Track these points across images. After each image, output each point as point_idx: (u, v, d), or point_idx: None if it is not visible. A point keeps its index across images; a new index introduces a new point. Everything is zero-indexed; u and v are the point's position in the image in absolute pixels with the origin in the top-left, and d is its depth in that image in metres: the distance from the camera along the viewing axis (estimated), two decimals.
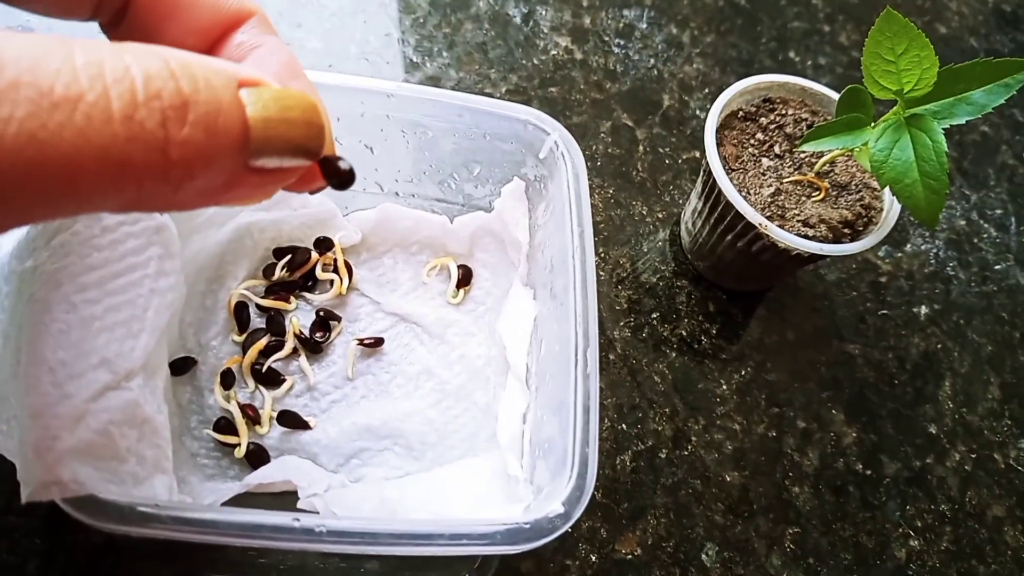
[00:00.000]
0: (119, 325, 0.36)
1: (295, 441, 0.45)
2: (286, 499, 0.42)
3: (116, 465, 0.34)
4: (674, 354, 0.53)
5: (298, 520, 0.32)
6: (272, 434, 0.45)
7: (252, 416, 0.45)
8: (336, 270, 0.49)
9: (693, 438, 0.50)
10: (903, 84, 0.41)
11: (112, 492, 0.31)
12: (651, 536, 0.47)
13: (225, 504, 0.41)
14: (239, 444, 0.44)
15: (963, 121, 0.42)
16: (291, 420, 0.45)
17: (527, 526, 0.34)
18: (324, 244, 0.49)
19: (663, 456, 0.49)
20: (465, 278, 0.51)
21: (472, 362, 0.49)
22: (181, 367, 0.45)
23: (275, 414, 0.45)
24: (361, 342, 0.48)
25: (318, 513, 0.40)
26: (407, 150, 0.47)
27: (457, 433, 0.47)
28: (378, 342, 0.48)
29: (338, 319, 0.49)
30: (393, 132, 0.46)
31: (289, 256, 0.49)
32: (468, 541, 0.33)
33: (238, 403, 0.45)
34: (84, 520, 0.30)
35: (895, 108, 0.43)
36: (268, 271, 0.49)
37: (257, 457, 0.44)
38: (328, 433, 0.46)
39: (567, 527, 0.34)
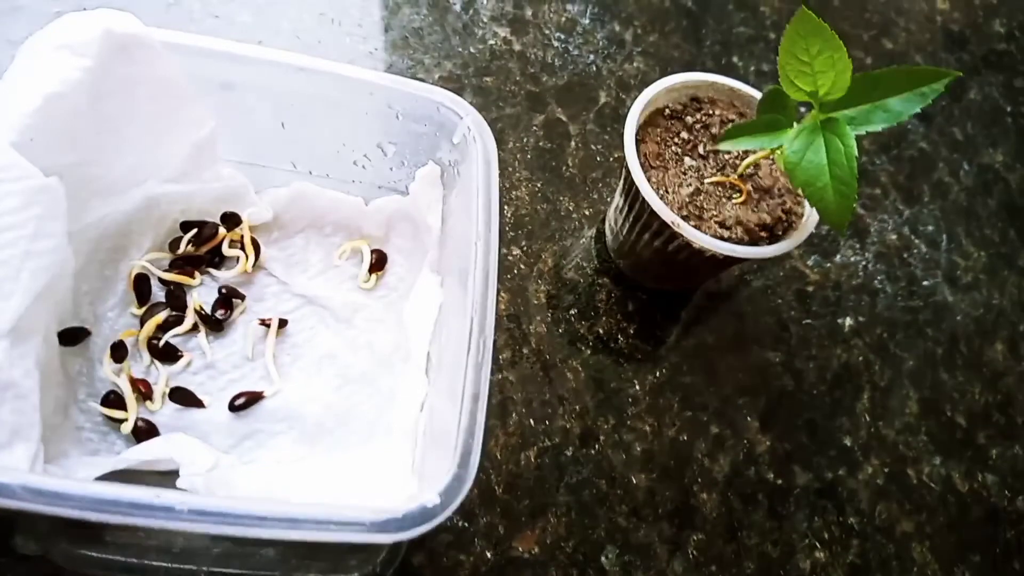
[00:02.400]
0: None
1: (187, 419, 0.44)
2: (171, 478, 0.40)
3: None
4: (589, 352, 0.52)
5: (158, 496, 0.30)
6: (164, 411, 0.44)
7: (144, 391, 0.43)
8: (243, 247, 0.48)
9: (602, 437, 0.49)
10: (817, 86, 0.41)
11: None
12: (551, 535, 0.46)
13: (102, 478, 0.39)
14: (127, 419, 0.42)
15: (879, 128, 0.42)
16: (184, 397, 0.44)
17: (399, 516, 0.32)
18: (232, 219, 0.48)
19: (569, 454, 0.48)
20: (379, 263, 0.49)
21: (379, 348, 0.48)
22: (72, 337, 0.43)
23: (168, 390, 0.44)
24: (262, 322, 0.47)
25: (197, 493, 0.39)
26: (320, 127, 0.46)
27: (357, 420, 0.46)
28: (282, 323, 0.47)
29: (241, 297, 0.47)
30: (305, 108, 0.45)
31: (196, 230, 0.47)
32: (335, 527, 0.32)
33: (129, 376, 0.43)
34: None
35: (812, 112, 0.43)
36: (174, 244, 0.48)
37: (145, 433, 0.42)
38: (222, 412, 0.44)
39: (441, 518, 0.33)
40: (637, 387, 0.51)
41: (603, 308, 0.53)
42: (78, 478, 0.38)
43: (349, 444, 0.45)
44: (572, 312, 0.53)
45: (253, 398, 0.44)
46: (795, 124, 0.43)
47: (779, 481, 0.51)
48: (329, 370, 0.47)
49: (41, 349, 0.38)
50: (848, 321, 0.57)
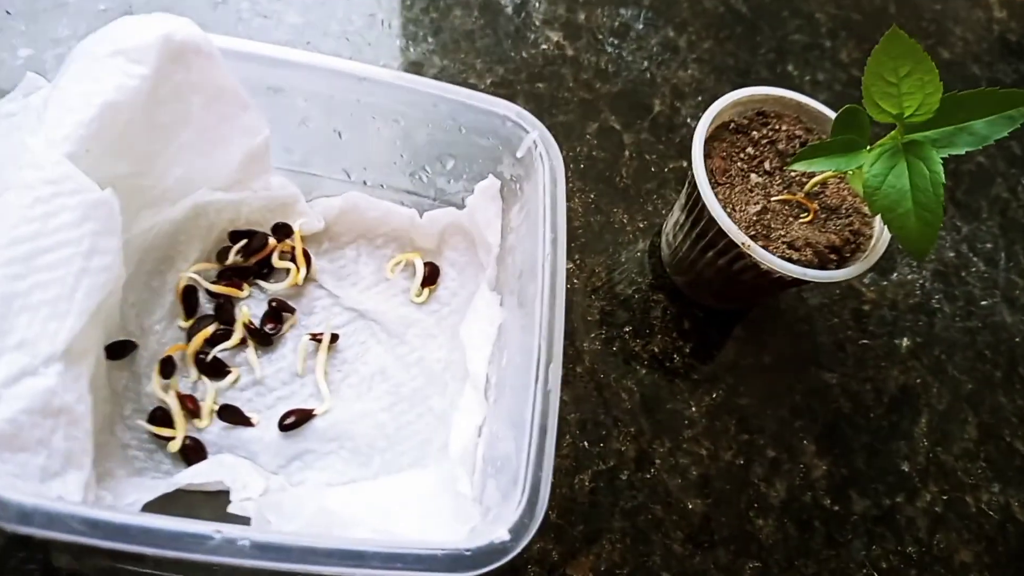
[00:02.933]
0: (44, 304, 0.33)
1: (235, 437, 0.43)
2: (220, 499, 0.39)
3: (25, 458, 0.31)
4: (644, 371, 0.50)
5: (220, 532, 0.29)
6: (212, 428, 0.43)
7: (191, 408, 0.42)
8: (294, 259, 0.47)
9: (657, 461, 0.48)
10: (904, 108, 0.39)
11: (17, 488, 0.28)
12: (605, 562, 0.45)
13: (151, 502, 0.38)
14: (174, 437, 0.41)
15: (963, 151, 0.40)
16: (233, 415, 0.43)
17: (468, 553, 0.31)
18: (283, 230, 0.47)
19: (624, 478, 0.47)
20: (431, 276, 0.48)
21: (431, 365, 0.46)
22: (119, 351, 0.42)
23: (217, 407, 0.43)
24: (313, 336, 0.45)
25: (249, 519, 0.38)
26: (378, 138, 0.45)
27: (409, 440, 0.44)
28: (333, 338, 0.46)
29: (292, 311, 0.46)
30: (364, 118, 0.44)
31: (245, 240, 0.46)
32: (403, 565, 0.31)
33: (177, 393, 0.42)
34: None
35: (893, 132, 0.41)
36: (222, 255, 0.46)
37: (193, 452, 0.41)
38: (271, 431, 0.43)
39: (510, 557, 0.32)
40: (693, 408, 0.50)
41: (658, 325, 0.52)
42: (129, 503, 0.37)
43: (400, 466, 0.44)
44: (627, 329, 0.51)
45: (303, 417, 0.43)
46: (871, 145, 0.42)
47: (836, 507, 0.49)
48: (380, 387, 0.46)
49: (92, 368, 0.37)
50: (905, 341, 0.56)
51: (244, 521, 0.37)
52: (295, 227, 0.47)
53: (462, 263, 0.49)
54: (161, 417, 0.42)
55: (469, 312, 0.45)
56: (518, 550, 0.32)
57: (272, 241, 0.47)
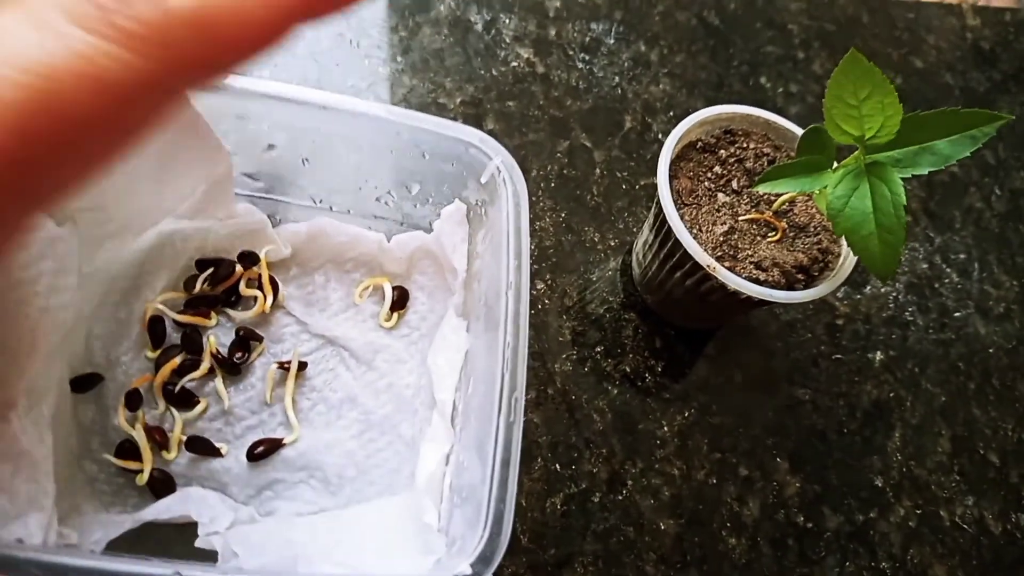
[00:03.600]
0: (3, 350, 0.33)
1: (204, 468, 0.42)
2: (190, 531, 0.39)
3: None
4: (616, 391, 0.50)
5: (179, 573, 0.29)
6: (180, 460, 0.42)
7: (159, 440, 0.42)
8: (261, 286, 0.46)
9: (629, 482, 0.48)
10: (865, 130, 0.39)
11: None
12: None
13: (119, 537, 0.38)
14: (142, 470, 0.41)
15: (926, 171, 0.40)
16: (201, 446, 0.42)
17: None
18: (249, 258, 0.46)
19: (596, 500, 0.47)
20: (400, 300, 0.48)
21: (400, 391, 0.46)
22: (85, 384, 0.42)
23: (185, 438, 0.43)
24: (281, 365, 0.45)
25: (216, 552, 0.37)
26: (343, 164, 0.45)
27: (378, 468, 0.44)
28: (301, 366, 0.45)
29: (260, 339, 0.46)
30: (327, 145, 0.43)
31: (212, 269, 0.46)
32: None
33: (144, 425, 0.42)
34: None
35: (856, 153, 0.41)
36: (189, 284, 0.46)
37: (161, 485, 0.41)
38: (240, 461, 0.43)
39: None
40: (665, 428, 0.50)
41: (630, 345, 0.52)
42: (95, 540, 0.37)
43: (370, 495, 0.43)
44: (598, 349, 0.51)
45: (272, 446, 0.43)
46: (835, 163, 0.42)
47: (809, 524, 0.49)
48: (349, 415, 0.45)
49: (53, 406, 0.37)
50: (879, 355, 0.56)
51: (212, 555, 0.37)
52: (261, 255, 0.46)
53: (431, 287, 0.48)
54: (129, 449, 0.41)
55: (436, 339, 0.45)
56: None
57: (239, 269, 0.46)
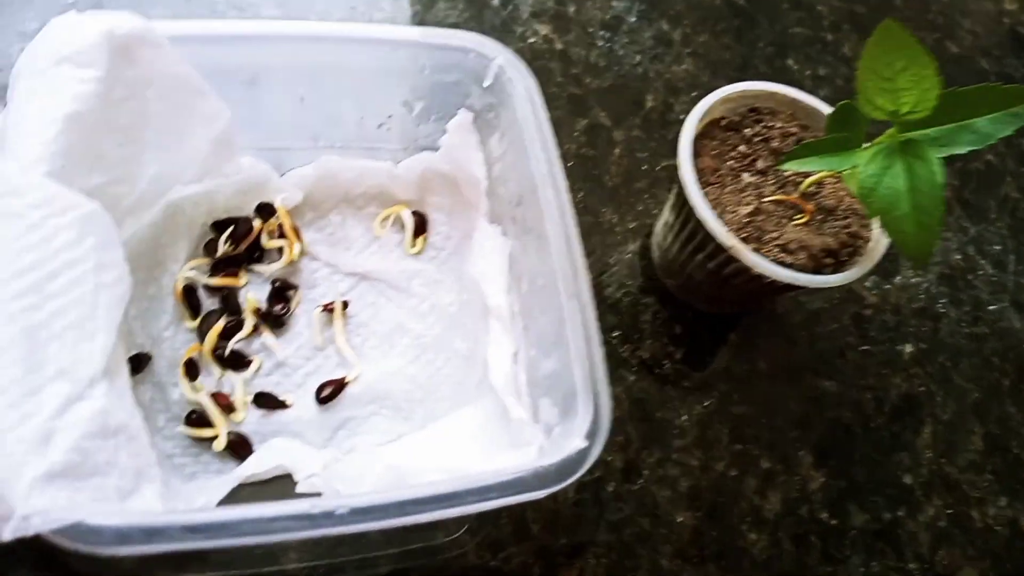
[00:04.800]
0: (69, 329, 0.32)
1: (275, 422, 0.43)
2: (276, 487, 0.39)
3: (99, 481, 0.31)
4: (633, 378, 0.49)
5: (316, 506, 0.29)
6: (249, 419, 0.42)
7: (225, 404, 0.42)
8: (283, 235, 0.46)
9: (645, 472, 0.46)
10: (900, 105, 0.37)
11: (101, 512, 0.28)
12: None
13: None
14: (217, 436, 0.41)
15: (965, 150, 0.38)
16: (268, 401, 0.43)
17: (553, 466, 0.32)
18: (266, 210, 0.46)
19: (610, 489, 0.45)
20: (420, 225, 0.48)
21: (444, 310, 0.47)
22: (135, 365, 0.41)
23: (249, 398, 0.43)
24: (325, 307, 0.45)
25: (320, 494, 0.38)
26: (341, 96, 0.45)
27: (443, 385, 0.45)
28: (343, 305, 0.46)
29: (295, 288, 0.46)
30: (325, 78, 0.43)
31: (231, 228, 0.45)
32: (497, 494, 0.31)
33: (208, 392, 0.42)
34: (80, 549, 0.28)
35: (890, 130, 0.39)
36: (210, 247, 0.46)
37: (239, 446, 0.41)
38: (309, 408, 0.43)
39: (592, 459, 0.33)
40: (684, 417, 0.48)
41: (648, 330, 0.50)
42: (199, 506, 0.37)
43: (442, 411, 0.44)
44: (616, 334, 0.50)
45: (338, 386, 0.43)
46: (866, 142, 0.40)
47: (834, 521, 0.47)
48: (402, 342, 0.46)
49: (128, 383, 0.36)
50: (908, 348, 0.53)
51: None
52: (277, 203, 0.46)
53: (448, 205, 0.48)
54: (197, 419, 0.41)
55: (474, 249, 0.45)
56: (596, 454, 0.33)
57: (257, 223, 0.46)
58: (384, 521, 0.30)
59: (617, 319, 0.50)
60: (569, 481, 0.32)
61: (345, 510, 0.29)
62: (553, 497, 0.44)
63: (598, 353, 0.35)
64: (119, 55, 0.36)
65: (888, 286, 0.55)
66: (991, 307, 0.56)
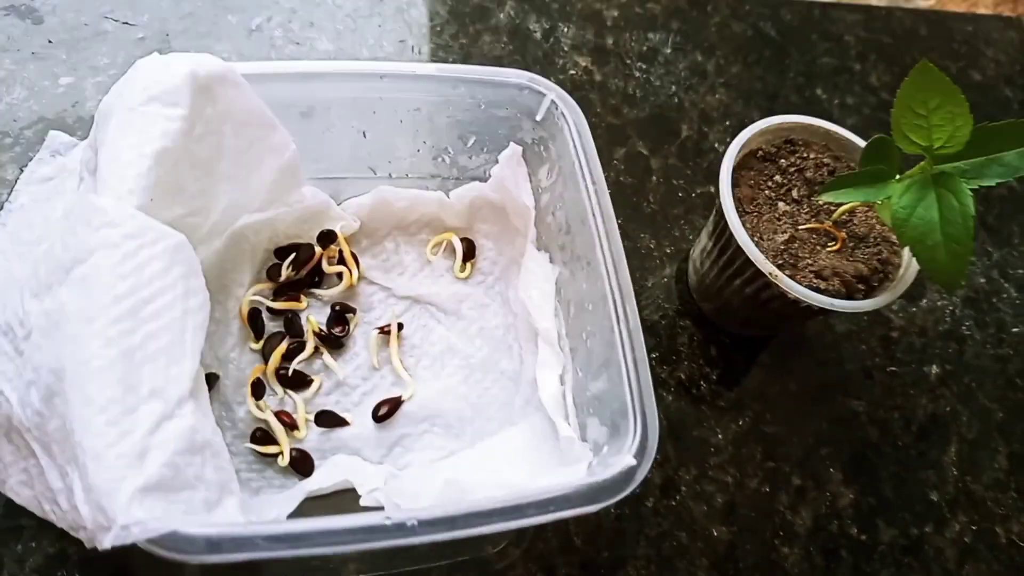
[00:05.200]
0: (161, 352, 0.34)
1: (335, 439, 0.45)
2: (335, 502, 0.41)
3: (189, 494, 0.33)
4: (671, 397, 0.51)
5: (389, 518, 0.31)
6: (310, 437, 0.45)
7: (288, 422, 0.44)
8: (342, 261, 0.49)
9: (683, 488, 0.48)
10: (933, 140, 0.39)
11: (193, 522, 0.30)
12: None
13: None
14: (280, 452, 0.43)
15: (994, 183, 0.40)
16: (329, 419, 0.45)
17: (605, 483, 0.34)
18: (327, 237, 0.49)
19: (649, 505, 0.47)
20: (469, 251, 0.51)
21: (492, 333, 0.49)
22: (208, 385, 0.43)
23: (310, 417, 0.45)
24: (382, 330, 0.48)
25: (382, 508, 0.39)
26: (400, 130, 0.47)
27: (492, 405, 0.47)
28: (399, 327, 0.48)
29: (353, 311, 0.48)
30: (386, 114, 0.46)
31: (294, 254, 0.48)
32: (555, 507, 0.33)
33: (272, 411, 0.44)
34: (173, 557, 0.30)
35: (922, 163, 0.41)
36: (272, 272, 0.48)
37: (302, 462, 0.43)
38: (367, 426, 0.45)
39: (642, 475, 0.34)
40: (719, 435, 0.50)
41: (685, 352, 0.52)
42: (271, 519, 0.39)
43: (491, 429, 0.46)
44: (653, 355, 0.52)
45: (394, 405, 0.46)
46: (899, 174, 0.42)
47: (863, 536, 0.49)
48: (452, 363, 0.48)
49: (208, 403, 0.39)
50: (935, 369, 0.55)
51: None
52: (337, 230, 0.48)
53: (495, 233, 0.51)
54: (261, 437, 0.44)
55: (523, 275, 0.47)
56: (645, 472, 0.34)
57: (318, 249, 0.48)
58: (451, 533, 0.32)
59: (655, 341, 0.52)
60: (619, 497, 0.34)
61: (415, 522, 0.31)
62: (596, 512, 0.46)
63: (645, 374, 0.37)
64: (201, 94, 0.38)
65: (914, 309, 0.57)
66: (1015, 329, 0.58)
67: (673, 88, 0.61)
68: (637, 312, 0.38)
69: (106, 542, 0.30)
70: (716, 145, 0.59)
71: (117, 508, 0.30)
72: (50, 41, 0.53)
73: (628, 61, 0.62)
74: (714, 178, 0.57)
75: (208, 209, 0.42)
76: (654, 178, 0.57)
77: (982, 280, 0.59)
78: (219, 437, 0.37)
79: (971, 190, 0.40)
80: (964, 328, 0.57)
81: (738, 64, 0.64)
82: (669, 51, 0.63)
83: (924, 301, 0.57)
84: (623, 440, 0.36)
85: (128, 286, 0.34)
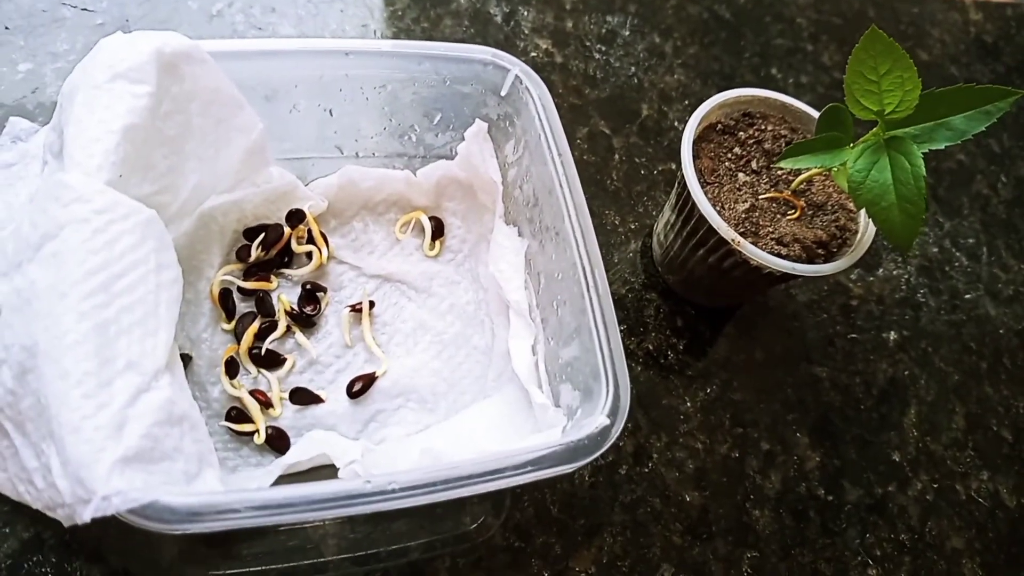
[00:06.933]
0: (136, 325, 0.34)
1: (310, 416, 0.45)
2: (313, 478, 0.41)
3: (168, 466, 0.33)
4: (640, 368, 0.52)
5: (369, 482, 0.31)
6: (285, 415, 0.45)
7: (263, 400, 0.44)
8: (311, 241, 0.49)
9: (655, 455, 0.49)
10: (884, 105, 0.41)
11: (173, 492, 0.30)
12: (606, 554, 0.46)
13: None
14: (256, 431, 0.43)
15: (943, 146, 0.41)
16: (303, 396, 0.45)
17: (581, 442, 0.35)
18: (295, 217, 0.49)
19: (623, 472, 0.48)
20: (438, 229, 0.51)
21: (463, 309, 0.49)
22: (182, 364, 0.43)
23: (285, 395, 0.45)
24: (353, 308, 0.48)
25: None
26: (366, 108, 0.47)
27: (465, 379, 0.48)
28: (370, 305, 0.48)
29: (324, 290, 0.48)
30: (352, 91, 0.46)
31: (263, 235, 0.48)
32: (534, 467, 0.33)
33: (247, 390, 0.44)
34: (154, 527, 0.30)
35: (875, 129, 0.42)
36: (242, 253, 0.48)
37: (278, 440, 0.44)
38: (341, 402, 0.45)
39: (615, 434, 0.35)
40: (688, 404, 0.51)
41: (652, 324, 0.53)
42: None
43: (464, 403, 0.47)
44: (622, 328, 0.52)
45: (368, 381, 0.46)
46: (854, 142, 0.43)
47: (830, 497, 0.50)
48: (424, 339, 0.48)
49: (184, 377, 0.39)
50: (892, 335, 0.57)
51: None
52: (306, 210, 0.48)
53: (463, 211, 0.51)
54: (237, 415, 0.44)
55: (492, 249, 0.48)
56: (619, 430, 0.35)
57: (287, 230, 0.48)
58: (432, 495, 0.32)
59: (623, 314, 0.53)
60: (595, 455, 0.35)
61: (396, 486, 0.31)
62: (570, 481, 0.47)
63: (616, 337, 0.38)
64: (167, 72, 0.38)
65: (872, 278, 0.59)
66: (967, 296, 0.60)
67: (632, 69, 0.63)
68: (605, 278, 0.39)
69: (86, 515, 0.30)
70: (675, 124, 0.61)
71: (97, 479, 0.30)
72: (7, 27, 0.53)
73: (588, 43, 0.63)
74: (675, 156, 0.59)
75: (177, 187, 0.42)
76: (616, 156, 0.58)
77: (935, 250, 0.61)
78: (196, 410, 0.37)
79: (922, 154, 0.41)
80: (919, 295, 0.59)
81: (695, 45, 0.65)
82: (627, 33, 0.64)
83: (880, 270, 0.59)
84: (596, 402, 0.36)
85: (100, 260, 0.34)
